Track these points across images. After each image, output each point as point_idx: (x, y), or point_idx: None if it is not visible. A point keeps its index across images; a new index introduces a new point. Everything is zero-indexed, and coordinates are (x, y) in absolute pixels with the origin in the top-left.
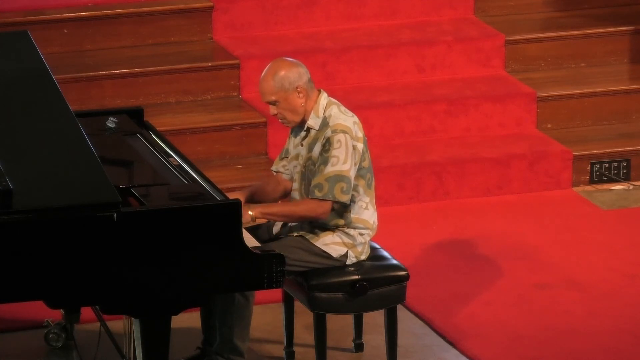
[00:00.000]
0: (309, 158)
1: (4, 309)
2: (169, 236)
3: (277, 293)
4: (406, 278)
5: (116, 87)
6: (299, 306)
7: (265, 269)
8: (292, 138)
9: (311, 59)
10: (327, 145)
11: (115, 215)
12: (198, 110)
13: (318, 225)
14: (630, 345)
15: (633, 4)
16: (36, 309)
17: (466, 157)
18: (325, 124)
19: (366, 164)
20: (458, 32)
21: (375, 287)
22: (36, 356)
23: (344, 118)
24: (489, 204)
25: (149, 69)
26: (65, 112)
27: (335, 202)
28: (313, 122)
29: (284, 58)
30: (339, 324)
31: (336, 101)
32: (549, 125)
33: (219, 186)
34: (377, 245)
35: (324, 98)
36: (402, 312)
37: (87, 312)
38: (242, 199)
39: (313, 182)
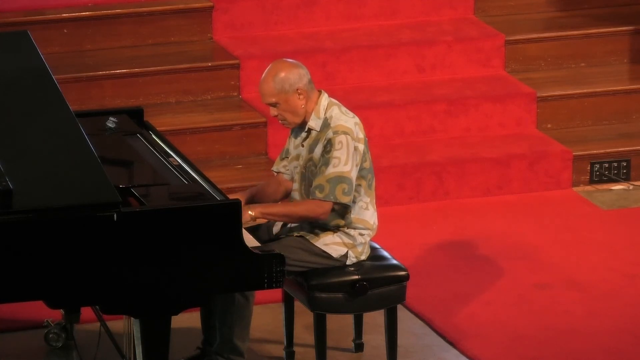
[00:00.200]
0: (310, 159)
1: (4, 309)
2: (169, 236)
3: (277, 293)
4: (406, 278)
5: (116, 87)
6: (299, 306)
7: (265, 269)
8: (293, 139)
9: (311, 59)
10: (329, 146)
11: (115, 215)
12: (198, 110)
13: (318, 226)
14: (630, 345)
15: (633, 4)
16: (36, 309)
17: (466, 157)
18: (326, 125)
19: (367, 164)
20: (458, 32)
21: (375, 287)
22: (36, 356)
23: (345, 119)
24: (489, 204)
25: (149, 69)
26: (66, 112)
27: (336, 203)
28: (314, 123)
29: (284, 59)
30: (339, 324)
31: (337, 102)
32: (549, 125)
33: (219, 186)
34: (377, 245)
35: (324, 99)
36: (402, 312)
37: (87, 312)
38: (243, 200)
39: (314, 183)
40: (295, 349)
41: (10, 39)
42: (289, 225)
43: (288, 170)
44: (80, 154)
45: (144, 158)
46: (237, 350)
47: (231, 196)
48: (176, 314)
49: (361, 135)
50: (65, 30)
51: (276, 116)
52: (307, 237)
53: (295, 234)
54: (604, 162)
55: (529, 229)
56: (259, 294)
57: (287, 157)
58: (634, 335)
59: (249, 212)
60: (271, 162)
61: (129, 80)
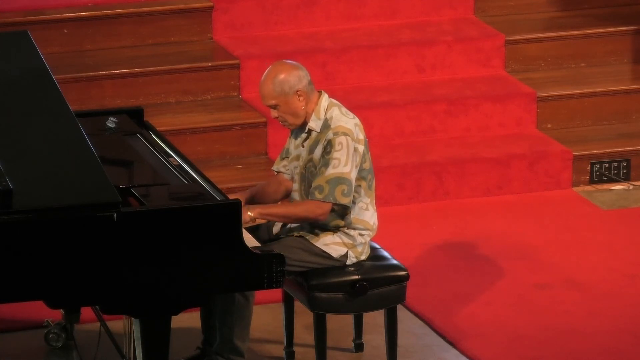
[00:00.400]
0: (310, 160)
1: (4, 309)
2: (169, 236)
3: (277, 293)
4: (406, 278)
5: (116, 87)
6: (299, 306)
7: (265, 269)
8: (293, 139)
9: (311, 59)
10: (329, 147)
11: (115, 215)
12: (198, 110)
13: (318, 226)
14: (630, 345)
15: (633, 4)
16: (36, 309)
17: (466, 157)
18: (326, 125)
19: (367, 165)
20: (458, 32)
21: (375, 287)
22: (36, 356)
23: (345, 120)
24: (489, 204)
25: (149, 69)
26: (66, 112)
27: (336, 204)
28: (314, 124)
29: (283, 61)
30: (339, 324)
31: (337, 102)
32: (549, 125)
33: (219, 186)
34: (377, 245)
35: (324, 100)
36: (402, 312)
37: (87, 312)
38: (243, 200)
39: (314, 184)
40: (295, 349)
41: (10, 39)
42: (289, 226)
43: (288, 170)
44: (80, 154)
45: (144, 158)
46: (237, 350)
47: (231, 196)
48: (176, 314)
49: (361, 136)
50: (65, 30)
51: (277, 118)
52: (307, 237)
53: (295, 234)
54: (604, 162)
55: (529, 229)
56: (259, 294)
57: (288, 157)
58: (634, 335)
59: (249, 213)
60: (271, 162)
61: (129, 80)
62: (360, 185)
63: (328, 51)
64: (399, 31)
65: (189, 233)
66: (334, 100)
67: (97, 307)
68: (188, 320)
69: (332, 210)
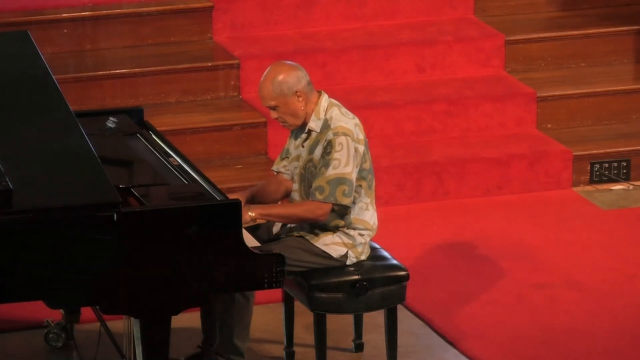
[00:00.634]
0: (310, 160)
1: (4, 309)
2: (168, 236)
3: (277, 293)
4: (406, 278)
5: (116, 87)
6: (299, 306)
7: (265, 269)
8: (293, 139)
9: (311, 59)
10: (329, 147)
11: (115, 215)
12: (198, 110)
13: (318, 226)
14: (630, 345)
15: (633, 4)
16: (36, 309)
17: (466, 157)
18: (326, 126)
19: (367, 165)
20: (458, 32)
21: (375, 287)
22: (36, 356)
23: (345, 120)
24: (489, 204)
25: (149, 69)
26: (66, 112)
27: (336, 204)
28: (314, 124)
29: (282, 62)
30: (339, 324)
31: (337, 102)
32: (549, 125)
33: (219, 186)
34: (377, 245)
35: (324, 100)
36: (402, 312)
37: (87, 312)
38: (243, 200)
39: (314, 185)
40: (295, 349)
41: (10, 39)
42: (289, 226)
43: (288, 170)
44: (80, 154)
45: (144, 158)
46: (237, 350)
47: (231, 196)
48: (176, 314)
49: (361, 136)
50: (65, 30)
51: (276, 119)
52: (307, 237)
53: (295, 234)
54: (604, 162)
55: (529, 229)
56: (259, 294)
57: (288, 157)
58: (634, 335)
59: (249, 213)
60: (271, 162)
61: (129, 80)
62: (360, 185)
63: (328, 51)
64: (399, 31)
65: (188, 233)
66: (333, 101)
67: (97, 307)
68: (188, 320)
69: (332, 211)
